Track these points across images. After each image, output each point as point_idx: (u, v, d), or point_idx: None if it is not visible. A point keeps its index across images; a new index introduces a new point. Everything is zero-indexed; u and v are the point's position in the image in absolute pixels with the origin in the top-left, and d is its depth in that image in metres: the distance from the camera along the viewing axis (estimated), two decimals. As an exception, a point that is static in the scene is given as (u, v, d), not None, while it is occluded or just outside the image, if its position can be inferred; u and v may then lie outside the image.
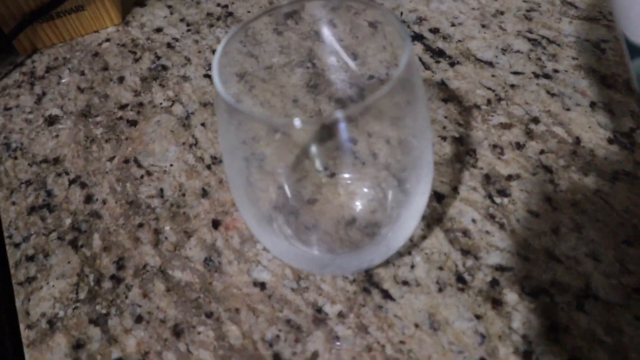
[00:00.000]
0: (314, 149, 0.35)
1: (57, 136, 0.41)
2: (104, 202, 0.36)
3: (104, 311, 0.31)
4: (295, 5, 0.31)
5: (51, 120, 0.42)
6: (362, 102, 0.23)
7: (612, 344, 0.27)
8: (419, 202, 0.28)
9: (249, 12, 0.47)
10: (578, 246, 0.30)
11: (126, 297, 0.32)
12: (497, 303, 0.29)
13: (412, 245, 0.31)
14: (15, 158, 0.40)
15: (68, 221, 0.36)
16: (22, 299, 0.33)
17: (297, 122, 0.23)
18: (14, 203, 0.37)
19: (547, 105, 0.36)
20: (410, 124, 0.29)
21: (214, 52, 0.45)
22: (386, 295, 0.30)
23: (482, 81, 0.38)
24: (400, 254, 0.31)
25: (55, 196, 0.37)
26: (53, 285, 0.33)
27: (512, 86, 0.38)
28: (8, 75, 0.46)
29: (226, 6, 0.48)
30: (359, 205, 0.32)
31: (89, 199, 0.37)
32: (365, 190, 0.33)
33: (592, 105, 0.36)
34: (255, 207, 0.31)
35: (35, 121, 0.42)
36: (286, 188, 0.33)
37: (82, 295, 0.32)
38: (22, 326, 0.31)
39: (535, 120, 0.36)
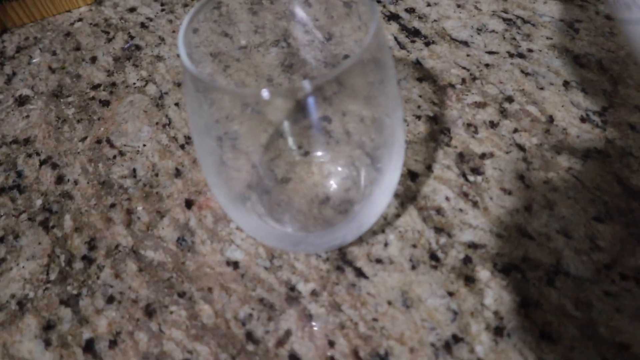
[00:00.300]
0: (287, 127, 0.35)
1: (27, 117, 0.40)
2: (76, 182, 0.36)
3: (75, 292, 0.31)
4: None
5: (22, 101, 0.41)
6: (332, 71, 0.23)
7: (582, 319, 0.27)
8: (390, 179, 0.28)
9: (224, -9, 0.47)
10: (550, 223, 0.30)
11: (98, 278, 0.31)
12: (469, 280, 0.29)
13: (385, 223, 0.31)
14: (-15, 139, 0.39)
15: (39, 202, 0.35)
16: (-9, 280, 0.32)
17: (265, 93, 0.23)
18: (-17, 184, 0.37)
19: (521, 84, 0.36)
20: (383, 102, 0.29)
21: (188, 31, 0.44)
22: (359, 273, 0.30)
23: (457, 60, 0.38)
24: (374, 232, 0.31)
25: (26, 177, 0.37)
26: (23, 267, 0.32)
27: (487, 65, 0.38)
28: (-23, 55, 0.45)
29: (201, -15, 0.48)
30: (332, 183, 0.32)
31: (60, 180, 0.36)
32: (339, 168, 0.33)
33: (566, 84, 0.36)
34: (228, 187, 0.31)
35: (5, 101, 0.41)
36: (259, 167, 0.33)
37: (52, 276, 0.32)
38: (-9, 308, 0.31)
39: (510, 99, 0.36)
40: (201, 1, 0.27)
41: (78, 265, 0.32)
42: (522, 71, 0.37)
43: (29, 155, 0.38)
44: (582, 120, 0.34)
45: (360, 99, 0.35)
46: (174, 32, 0.44)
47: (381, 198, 0.28)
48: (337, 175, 0.32)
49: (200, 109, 0.27)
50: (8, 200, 0.36)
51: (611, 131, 0.34)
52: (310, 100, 0.26)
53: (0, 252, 0.33)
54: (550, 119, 0.35)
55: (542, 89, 0.36)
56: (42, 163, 0.37)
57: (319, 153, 0.33)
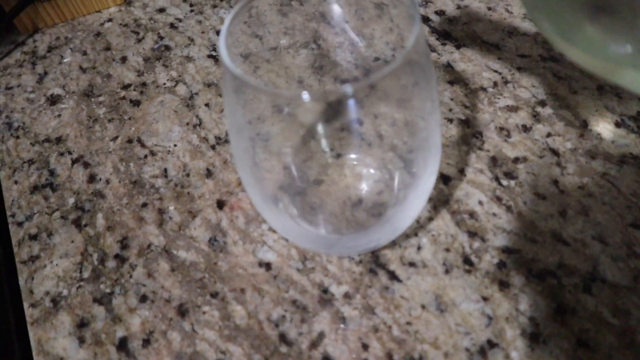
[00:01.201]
0: (319, 129, 0.35)
1: (59, 116, 0.41)
2: (108, 181, 0.36)
3: (108, 290, 0.31)
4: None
5: (53, 100, 0.42)
6: (371, 77, 0.23)
7: (620, 327, 0.27)
8: (425, 183, 0.28)
9: (253, -8, 0.47)
10: (585, 229, 0.30)
11: (130, 277, 0.31)
12: (504, 285, 0.29)
13: (418, 226, 0.31)
14: (18, 137, 0.40)
15: (71, 200, 0.35)
16: (25, 277, 0.32)
17: (305, 95, 0.23)
18: (16, 182, 0.37)
19: (554, 88, 0.36)
20: (418, 105, 0.29)
21: (217, 32, 0.44)
22: (393, 276, 0.30)
23: (488, 64, 0.38)
24: (406, 236, 0.31)
25: (58, 175, 0.37)
26: (57, 264, 0.33)
27: (519, 69, 0.38)
28: (9, 54, 0.46)
29: (230, -13, 0.48)
30: (365, 186, 0.32)
31: (92, 179, 0.36)
32: (372, 171, 0.33)
33: (600, 88, 0.36)
34: (261, 187, 0.31)
35: (37, 100, 0.42)
36: (292, 168, 0.33)
37: (86, 275, 0.32)
38: (25, 305, 0.31)
39: (542, 103, 0.35)
40: (237, 6, 0.27)
41: (111, 263, 0.32)
42: (554, 75, 0.37)
43: (61, 154, 0.38)
44: (617, 125, 0.34)
45: (393, 101, 0.35)
46: (203, 32, 0.44)
47: (416, 202, 0.28)
48: (370, 178, 0.32)
49: (235, 110, 0.28)
50: (41, 198, 0.36)
51: (647, 136, 0.33)
52: (349, 103, 0.26)
53: (34, 249, 0.34)
54: (584, 124, 0.34)
55: (575, 92, 0.36)
56: (74, 162, 0.37)
57: (352, 155, 0.33)
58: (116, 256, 0.32)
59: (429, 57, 0.26)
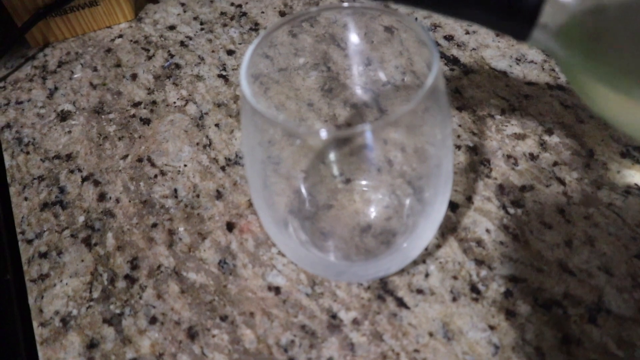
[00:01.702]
0: (329, 154, 0.35)
1: (69, 132, 0.41)
2: (118, 200, 0.36)
3: (117, 311, 0.31)
4: (314, 13, 0.31)
5: (63, 116, 0.42)
6: (388, 117, 0.23)
7: (625, 358, 0.27)
8: (437, 212, 0.28)
9: (262, 12, 0.47)
10: (590, 259, 0.31)
11: (140, 298, 0.32)
12: (510, 314, 0.29)
13: (426, 253, 0.32)
14: (28, 153, 0.40)
15: (81, 219, 0.36)
16: (35, 296, 0.33)
17: (323, 132, 0.23)
18: (26, 199, 0.37)
19: (561, 117, 0.37)
20: (428, 131, 0.29)
21: (227, 52, 0.45)
22: (401, 303, 0.30)
23: (496, 90, 0.39)
24: (414, 262, 0.31)
25: (68, 193, 0.37)
26: (66, 284, 0.33)
27: (526, 97, 0.38)
28: (19, 68, 0.46)
29: (240, 6, 0.48)
30: (374, 212, 0.33)
31: (102, 197, 0.37)
32: (381, 197, 0.33)
33: (606, 118, 0.36)
34: (272, 210, 0.32)
35: (47, 116, 0.42)
36: (302, 192, 0.34)
37: (95, 294, 0.32)
38: (35, 324, 0.32)
39: (549, 132, 0.36)
40: (258, 38, 0.27)
41: (120, 284, 0.32)
42: (561, 103, 0.37)
43: (71, 171, 0.38)
44: (623, 155, 0.34)
45: (403, 127, 0.36)
46: (213, 52, 0.45)
47: (427, 231, 0.28)
48: (379, 204, 0.33)
49: (248, 132, 0.28)
50: (51, 215, 0.36)
51: (652, 168, 0.34)
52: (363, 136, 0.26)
53: (44, 267, 0.34)
54: (591, 153, 0.35)
55: (582, 122, 0.36)
56: (84, 179, 0.38)
57: (361, 181, 0.34)
58: (126, 276, 0.33)
59: (445, 91, 0.26)
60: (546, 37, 0.20)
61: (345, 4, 0.29)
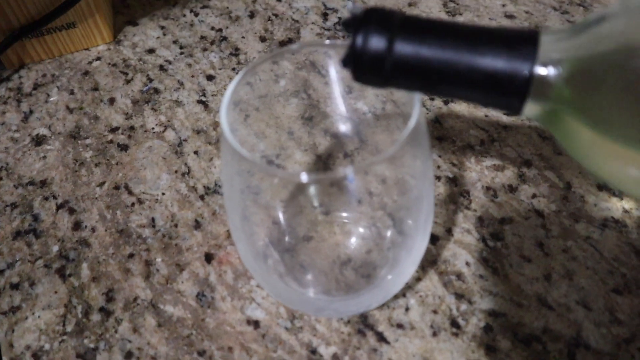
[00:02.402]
0: (309, 185, 0.35)
1: (44, 157, 0.40)
2: (93, 229, 0.36)
3: (92, 345, 0.31)
4: (296, 49, 0.31)
5: (38, 140, 0.41)
6: (371, 160, 0.23)
7: (603, 395, 0.27)
8: (418, 246, 0.28)
9: (243, 37, 0.47)
10: (569, 293, 0.31)
11: (116, 332, 0.31)
12: (490, 349, 0.29)
13: (406, 287, 0.31)
14: (0, 179, 0.39)
15: (55, 248, 0.35)
16: (5, 329, 0.32)
17: (303, 176, 0.23)
18: (-2, 227, 0.36)
19: (539, 148, 0.37)
20: (409, 162, 0.29)
21: (207, 77, 0.44)
22: (381, 338, 0.30)
23: (475, 121, 0.39)
24: (395, 296, 0.31)
25: (42, 221, 0.36)
26: (39, 316, 0.32)
27: (505, 127, 0.38)
28: (-7, 90, 0.45)
29: (220, 30, 0.48)
30: (354, 244, 0.32)
31: (77, 226, 0.36)
32: (361, 229, 0.33)
33: (583, 150, 0.37)
34: (250, 242, 0.31)
35: (21, 140, 0.41)
36: (281, 224, 0.33)
37: (69, 328, 0.31)
38: (5, 359, 0.31)
39: (528, 164, 0.36)
40: (239, 74, 0.27)
41: (95, 317, 0.32)
42: (539, 135, 0.38)
43: (46, 199, 0.38)
44: (599, 188, 0.35)
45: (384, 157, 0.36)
46: (192, 76, 0.45)
47: (409, 267, 0.28)
48: (359, 237, 0.33)
49: (226, 161, 0.28)
50: (24, 244, 0.35)
51: (628, 200, 0.34)
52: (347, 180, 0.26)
53: (15, 299, 0.33)
54: (568, 186, 0.35)
55: (559, 154, 0.37)
56: (58, 207, 0.37)
57: (341, 213, 0.33)
58: (101, 309, 0.32)
59: (426, 128, 0.26)
60: (538, 109, 0.20)
61: (327, 42, 0.29)
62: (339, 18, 0.48)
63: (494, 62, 0.20)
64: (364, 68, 0.22)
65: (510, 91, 0.20)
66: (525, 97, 0.20)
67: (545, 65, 0.20)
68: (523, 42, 0.20)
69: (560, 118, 0.20)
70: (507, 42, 0.20)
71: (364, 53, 0.21)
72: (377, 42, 0.21)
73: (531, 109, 0.21)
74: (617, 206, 0.34)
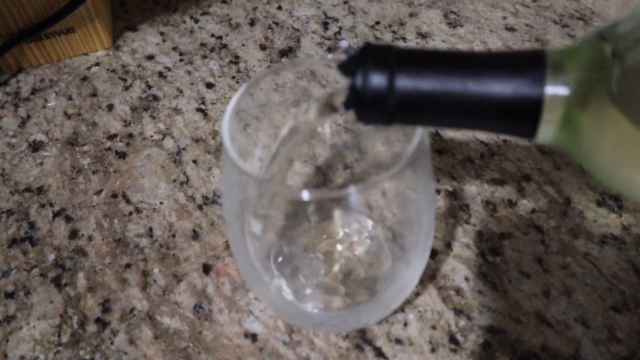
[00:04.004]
0: (307, 196, 0.35)
1: (41, 164, 0.40)
2: (90, 238, 0.35)
3: (87, 357, 0.30)
4: (299, 63, 0.31)
5: (36, 146, 0.41)
6: (374, 179, 0.23)
7: (601, 415, 0.27)
8: (419, 262, 0.28)
9: (243, 45, 0.47)
10: (568, 310, 0.31)
11: (112, 343, 0.31)
12: (489, 366, 0.29)
13: (405, 302, 0.31)
14: (-3, 185, 0.39)
15: (51, 257, 0.35)
16: None
17: (305, 194, 0.23)
18: (-6, 234, 0.36)
19: (539, 162, 0.37)
20: (410, 177, 0.29)
21: (207, 85, 0.44)
22: (379, 353, 0.30)
23: (475, 134, 0.39)
24: (393, 311, 0.31)
25: (39, 229, 0.36)
26: (34, 326, 0.32)
27: (505, 141, 0.38)
28: (-10, 94, 0.45)
29: (220, 37, 0.48)
30: (353, 258, 0.32)
31: (74, 234, 0.36)
32: (361, 243, 0.33)
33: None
34: (248, 254, 0.31)
35: (18, 146, 0.41)
36: (280, 236, 0.33)
37: (64, 339, 0.31)
38: (-1, 369, 0.30)
39: (527, 178, 0.36)
40: (240, 90, 0.27)
41: (91, 328, 0.31)
42: (539, 149, 0.38)
43: (42, 206, 0.37)
44: (599, 204, 0.35)
45: (384, 169, 0.35)
46: (192, 84, 0.44)
47: (409, 282, 0.28)
48: (359, 250, 0.32)
49: (225, 172, 0.28)
50: (19, 252, 0.35)
51: (627, 217, 0.34)
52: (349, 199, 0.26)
53: (10, 308, 0.33)
54: (568, 201, 0.35)
55: (559, 169, 0.37)
56: (55, 215, 0.37)
57: (340, 225, 0.33)
58: (97, 320, 0.32)
59: (428, 144, 0.26)
60: (554, 131, 0.20)
61: (330, 56, 0.28)
62: (340, 27, 0.48)
63: (501, 88, 0.19)
64: (367, 108, 0.21)
65: (523, 117, 0.20)
66: (538, 120, 0.20)
67: (555, 84, 0.19)
68: (530, 64, 0.19)
69: (580, 135, 0.19)
70: (513, 66, 0.19)
71: (365, 93, 0.21)
72: (377, 80, 0.20)
73: (545, 132, 0.20)
74: (616, 223, 0.34)
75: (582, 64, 0.19)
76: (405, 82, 0.20)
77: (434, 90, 0.20)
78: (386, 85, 0.20)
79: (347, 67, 0.21)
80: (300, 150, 0.30)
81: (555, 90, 0.19)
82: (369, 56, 0.21)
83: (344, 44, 0.22)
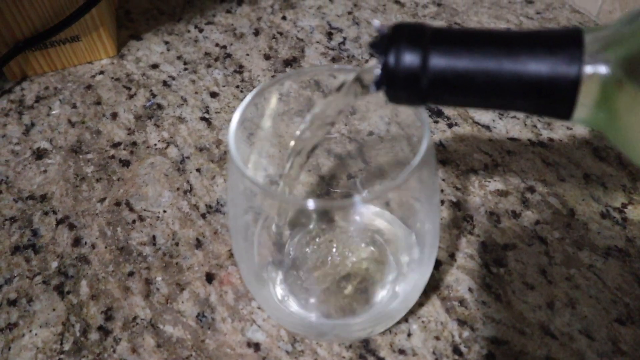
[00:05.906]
0: (310, 204, 0.35)
1: (45, 171, 0.40)
2: (93, 246, 0.35)
3: (89, 365, 0.30)
4: (303, 74, 0.31)
5: (39, 154, 0.41)
6: (379, 190, 0.23)
7: None
8: (422, 274, 0.28)
9: (247, 54, 0.47)
10: (572, 322, 0.31)
11: (114, 351, 0.31)
12: (493, 378, 0.29)
13: (409, 312, 0.31)
14: (0, 192, 0.39)
15: (54, 264, 0.35)
16: (1, 347, 0.31)
17: (309, 203, 0.23)
18: (-3, 241, 0.36)
19: (543, 174, 0.37)
20: (415, 186, 0.29)
21: (211, 94, 0.44)
22: (383, 364, 0.29)
23: (479, 145, 0.39)
24: (397, 321, 0.31)
25: (42, 236, 0.36)
26: (36, 334, 0.32)
27: (509, 152, 0.38)
28: (-5, 101, 0.45)
29: (225, 47, 0.48)
30: (357, 266, 0.32)
31: (77, 242, 0.36)
32: (364, 252, 0.33)
33: (586, 177, 0.37)
34: (251, 262, 0.31)
35: (22, 153, 0.41)
36: (284, 244, 0.33)
37: (67, 347, 0.31)
38: (1, 377, 0.30)
39: (531, 189, 0.36)
40: (245, 100, 0.27)
41: (94, 336, 0.31)
42: (543, 161, 0.38)
43: (46, 213, 0.37)
44: (603, 216, 0.35)
45: (387, 179, 0.36)
46: (196, 93, 0.44)
47: (413, 293, 0.28)
48: (362, 259, 0.32)
49: (231, 181, 0.28)
50: (22, 260, 0.35)
51: (631, 229, 0.34)
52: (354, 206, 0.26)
53: (12, 316, 0.32)
54: (572, 213, 0.35)
55: (562, 180, 0.37)
56: (58, 222, 0.37)
57: (345, 235, 0.33)
58: (100, 328, 0.32)
59: (434, 155, 0.26)
60: (589, 110, 0.19)
61: (336, 66, 0.28)
62: (344, 38, 0.48)
63: (538, 67, 0.19)
64: (399, 87, 0.21)
65: (559, 96, 0.19)
66: (575, 100, 0.19)
67: (594, 63, 0.19)
68: (567, 42, 0.19)
69: (617, 115, 0.19)
70: (549, 45, 0.19)
71: (397, 72, 0.20)
72: (410, 59, 0.20)
73: (581, 112, 0.19)
74: (620, 235, 0.34)
75: (622, 42, 0.19)
76: (439, 61, 0.20)
77: (468, 69, 0.20)
78: (419, 63, 0.20)
79: (379, 46, 0.21)
80: (320, 140, 0.29)
81: (593, 69, 0.19)
82: (401, 35, 0.20)
83: (376, 22, 0.22)
